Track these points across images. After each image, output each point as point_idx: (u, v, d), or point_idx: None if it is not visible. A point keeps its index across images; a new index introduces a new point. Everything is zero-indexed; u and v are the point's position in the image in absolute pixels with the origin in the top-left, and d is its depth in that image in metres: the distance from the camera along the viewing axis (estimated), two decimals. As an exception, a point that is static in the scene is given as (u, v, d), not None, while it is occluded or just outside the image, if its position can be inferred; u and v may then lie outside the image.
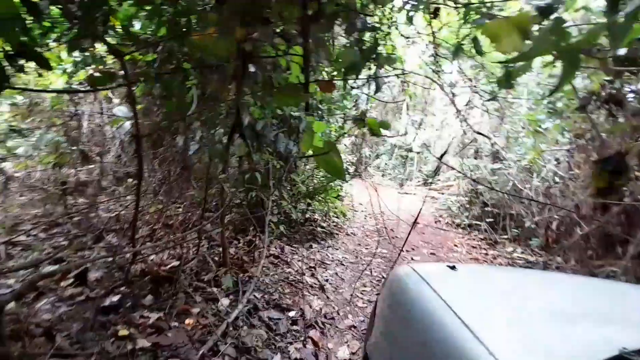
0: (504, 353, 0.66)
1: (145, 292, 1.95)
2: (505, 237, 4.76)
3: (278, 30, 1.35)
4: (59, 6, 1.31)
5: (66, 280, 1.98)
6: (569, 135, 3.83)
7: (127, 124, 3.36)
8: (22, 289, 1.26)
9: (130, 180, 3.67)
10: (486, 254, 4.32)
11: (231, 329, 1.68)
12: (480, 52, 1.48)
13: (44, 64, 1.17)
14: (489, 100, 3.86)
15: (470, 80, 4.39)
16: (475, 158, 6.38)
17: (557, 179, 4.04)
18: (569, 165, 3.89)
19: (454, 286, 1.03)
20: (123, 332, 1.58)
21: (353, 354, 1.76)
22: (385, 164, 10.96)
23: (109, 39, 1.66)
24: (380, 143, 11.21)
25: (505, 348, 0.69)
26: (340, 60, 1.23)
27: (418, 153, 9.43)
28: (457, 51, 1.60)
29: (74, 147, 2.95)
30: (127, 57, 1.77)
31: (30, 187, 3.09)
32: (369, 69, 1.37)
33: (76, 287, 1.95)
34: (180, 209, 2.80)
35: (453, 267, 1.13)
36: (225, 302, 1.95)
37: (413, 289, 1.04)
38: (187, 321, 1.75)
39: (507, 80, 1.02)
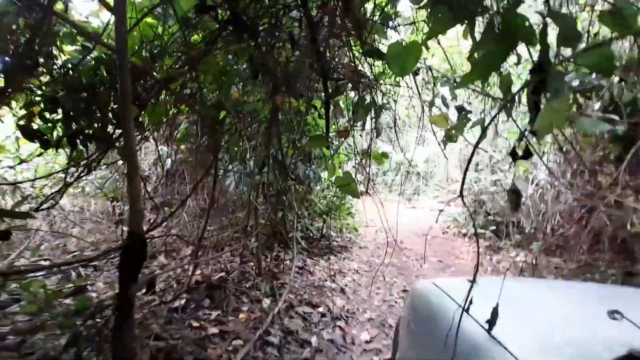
0: (526, 355, 0.74)
1: (202, 297, 2.46)
2: (509, 243, 5.14)
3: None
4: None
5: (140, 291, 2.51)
6: (555, 146, 4.31)
7: (168, 161, 4.01)
8: (144, 281, 1.77)
9: (167, 208, 4.27)
10: (490, 260, 4.71)
11: (276, 319, 2.17)
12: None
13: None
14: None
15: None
16: (476, 171, 6.86)
17: (548, 186, 4.49)
18: (558, 172, 4.35)
19: (475, 297, 1.09)
20: (195, 324, 2.09)
21: (373, 338, 2.22)
22: (392, 180, 11.45)
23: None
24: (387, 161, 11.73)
25: (527, 351, 0.76)
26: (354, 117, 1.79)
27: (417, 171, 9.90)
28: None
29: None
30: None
31: (89, 219, 3.70)
32: (372, 118, 1.93)
33: (148, 296, 2.48)
34: (224, 231, 3.35)
35: (473, 281, 1.16)
36: (267, 301, 2.45)
37: (436, 303, 1.07)
38: (240, 316, 2.25)
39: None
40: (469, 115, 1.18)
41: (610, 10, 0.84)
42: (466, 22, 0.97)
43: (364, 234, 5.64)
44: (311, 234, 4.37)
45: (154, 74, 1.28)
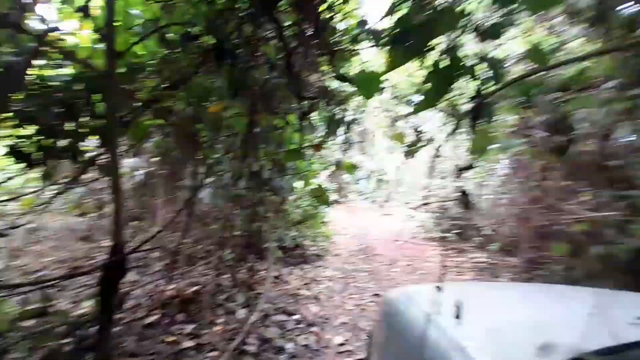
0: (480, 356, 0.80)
1: (176, 311, 2.44)
2: (471, 245, 5.54)
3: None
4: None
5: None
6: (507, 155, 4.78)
7: (139, 173, 3.90)
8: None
9: (136, 222, 4.12)
10: (455, 261, 5.04)
11: (252, 329, 2.21)
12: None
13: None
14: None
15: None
16: (442, 178, 7.33)
17: (503, 191, 4.94)
18: (511, 179, 4.81)
19: (441, 305, 1.12)
20: (169, 338, 2.07)
21: (346, 341, 2.33)
22: (364, 188, 11.80)
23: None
24: (359, 169, 12.11)
25: (484, 356, 0.82)
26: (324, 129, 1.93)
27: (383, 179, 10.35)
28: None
29: (93, 198, 3.44)
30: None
31: (54, 236, 3.49)
32: (344, 132, 2.08)
33: (116, 314, 2.40)
34: (198, 244, 3.32)
35: (439, 288, 1.21)
36: (242, 312, 2.48)
37: (405, 312, 1.12)
38: (215, 328, 2.26)
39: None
40: (425, 132, 1.36)
41: (532, 48, 1.06)
42: (418, 58, 1.15)
43: (337, 241, 5.78)
44: (286, 244, 4.42)
45: (139, 94, 1.33)
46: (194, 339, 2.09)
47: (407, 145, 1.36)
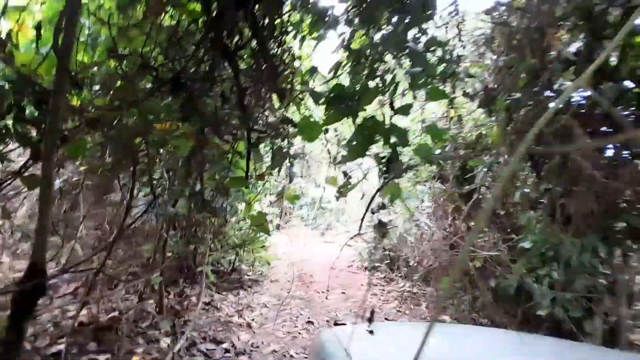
0: None
1: (88, 340, 2.21)
2: (399, 275, 6.03)
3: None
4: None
5: None
6: (430, 197, 5.49)
7: (57, 182, 3.51)
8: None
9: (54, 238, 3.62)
10: (383, 290, 5.42)
11: (176, 359, 2.12)
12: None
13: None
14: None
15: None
16: (373, 212, 7.95)
17: (426, 228, 5.58)
18: (432, 217, 5.49)
19: (368, 349, 1.16)
20: (75, 372, 1.87)
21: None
22: (307, 214, 12.02)
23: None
24: (302, 196, 12.35)
25: None
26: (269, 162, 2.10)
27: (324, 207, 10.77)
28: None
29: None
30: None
31: None
32: (287, 166, 2.27)
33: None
34: (121, 265, 3.06)
35: (371, 332, 1.24)
36: (166, 341, 2.35)
37: (332, 354, 1.16)
38: (133, 359, 2.11)
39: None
40: (352, 176, 1.62)
41: (429, 126, 1.39)
42: (350, 117, 1.41)
43: (276, 266, 5.77)
44: (222, 268, 4.30)
45: (85, 112, 1.33)
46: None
47: (338, 187, 1.59)
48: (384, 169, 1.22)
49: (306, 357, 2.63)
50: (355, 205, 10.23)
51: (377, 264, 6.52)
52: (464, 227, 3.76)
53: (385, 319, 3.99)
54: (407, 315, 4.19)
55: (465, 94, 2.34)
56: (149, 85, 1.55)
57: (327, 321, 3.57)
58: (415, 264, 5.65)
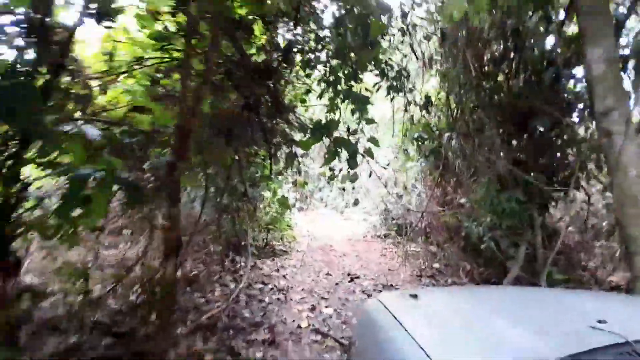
0: None
1: (185, 285, 3.51)
2: (406, 238, 7.11)
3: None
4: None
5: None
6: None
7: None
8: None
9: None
10: (393, 252, 6.54)
11: (240, 292, 3.40)
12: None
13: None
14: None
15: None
16: (385, 186, 8.99)
17: (423, 196, 6.57)
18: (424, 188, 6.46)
19: (413, 312, 1.20)
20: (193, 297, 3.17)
21: (302, 298, 3.59)
22: (327, 195, 13.20)
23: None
24: (322, 178, 13.50)
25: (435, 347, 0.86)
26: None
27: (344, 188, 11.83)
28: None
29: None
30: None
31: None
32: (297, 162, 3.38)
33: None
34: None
35: (415, 296, 1.27)
36: (231, 284, 3.64)
37: (380, 320, 1.18)
38: (216, 293, 3.39)
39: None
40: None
41: (370, 138, 2.45)
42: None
43: (300, 241, 7.04)
44: (257, 243, 5.60)
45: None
46: (202, 298, 3.22)
47: (328, 177, 2.67)
48: (348, 164, 2.29)
49: (328, 292, 3.83)
50: (369, 185, 11.25)
51: (388, 232, 7.63)
52: (440, 192, 4.75)
53: (388, 269, 5.13)
54: (408, 271, 5.26)
55: (409, 102, 3.31)
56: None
57: (342, 274, 4.76)
58: (417, 228, 6.69)
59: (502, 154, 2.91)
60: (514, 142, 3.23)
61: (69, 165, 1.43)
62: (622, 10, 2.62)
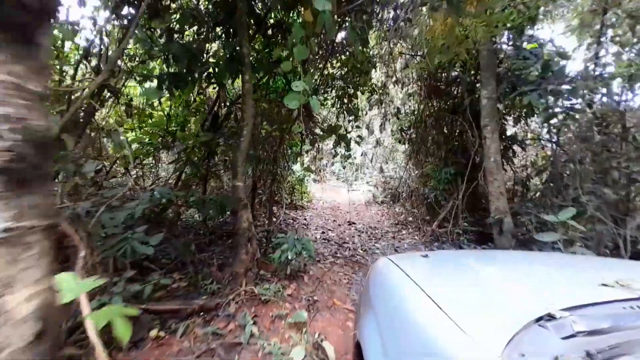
0: (459, 317, 0.84)
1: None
2: (398, 204, 9.27)
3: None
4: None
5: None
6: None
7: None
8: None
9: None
10: (386, 215, 8.76)
11: (278, 225, 5.73)
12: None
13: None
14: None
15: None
16: (386, 163, 11.06)
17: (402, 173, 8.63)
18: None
19: (424, 270, 1.27)
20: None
21: (318, 225, 5.89)
22: (339, 169, 15.36)
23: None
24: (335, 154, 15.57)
25: (461, 313, 0.87)
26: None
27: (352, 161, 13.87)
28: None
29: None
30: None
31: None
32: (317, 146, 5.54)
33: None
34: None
35: (426, 256, 1.35)
36: (274, 219, 5.97)
37: (390, 276, 1.25)
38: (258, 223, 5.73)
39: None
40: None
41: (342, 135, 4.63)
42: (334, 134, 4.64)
43: (316, 204, 9.36)
44: (287, 201, 7.91)
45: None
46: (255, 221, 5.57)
47: (340, 156, 4.78)
48: (346, 149, 4.39)
49: (332, 228, 6.10)
50: (375, 160, 13.25)
51: (385, 199, 9.83)
52: (411, 168, 6.84)
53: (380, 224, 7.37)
54: (390, 221, 7.46)
55: (386, 112, 5.31)
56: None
57: (344, 220, 7.03)
58: (403, 195, 8.83)
59: (442, 145, 4.92)
60: (450, 138, 5.24)
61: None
62: (501, 68, 4.51)
